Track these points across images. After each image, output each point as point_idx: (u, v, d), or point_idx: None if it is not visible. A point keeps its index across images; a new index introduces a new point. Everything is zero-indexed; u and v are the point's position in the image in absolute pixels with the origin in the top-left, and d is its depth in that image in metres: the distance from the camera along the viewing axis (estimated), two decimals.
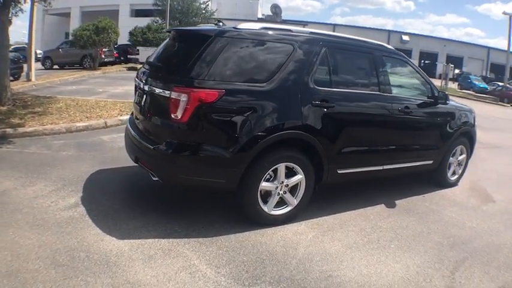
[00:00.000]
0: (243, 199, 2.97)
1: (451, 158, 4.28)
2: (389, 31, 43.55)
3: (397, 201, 3.80)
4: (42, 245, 2.54)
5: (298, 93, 3.01)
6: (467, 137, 4.42)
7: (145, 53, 18.96)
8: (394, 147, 3.68)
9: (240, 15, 34.37)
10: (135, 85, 3.58)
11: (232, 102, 2.79)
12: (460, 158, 4.46)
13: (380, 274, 2.56)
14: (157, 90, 2.92)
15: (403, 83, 3.89)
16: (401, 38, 40.28)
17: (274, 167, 2.98)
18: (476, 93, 25.94)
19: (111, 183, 3.75)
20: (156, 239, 2.75)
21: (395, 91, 3.67)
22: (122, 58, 21.10)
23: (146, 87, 3.13)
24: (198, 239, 2.80)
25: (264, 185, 2.98)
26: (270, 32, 3.07)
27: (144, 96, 3.18)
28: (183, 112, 2.67)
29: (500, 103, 21.87)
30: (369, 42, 3.69)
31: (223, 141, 2.80)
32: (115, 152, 4.77)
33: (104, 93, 9.69)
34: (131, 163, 4.33)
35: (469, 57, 40.87)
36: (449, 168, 4.30)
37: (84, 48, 16.97)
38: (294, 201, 3.15)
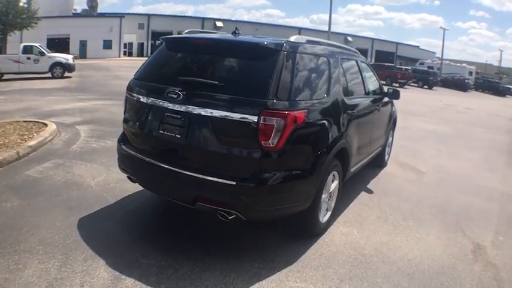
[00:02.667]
0: (311, 214, 2.95)
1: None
2: (203, 18, 44.91)
3: (368, 186, 4.47)
4: None
5: (340, 104, 3.20)
6: (394, 122, 5.49)
7: None
8: (373, 139, 4.33)
9: (55, 12, 31.84)
10: (144, 104, 2.83)
11: (313, 121, 2.77)
12: (390, 140, 5.46)
13: (430, 247, 3.14)
14: (234, 116, 2.45)
15: (369, 82, 4.53)
16: (215, 24, 41.62)
17: (327, 178, 3.08)
18: None
19: (119, 234, 2.94)
20: (256, 284, 2.44)
21: (370, 91, 4.32)
22: None
23: (190, 110, 2.59)
24: (287, 268, 2.66)
25: (322, 197, 3.06)
26: (314, 45, 3.09)
27: (183, 120, 2.62)
28: (279, 138, 2.43)
29: None
30: (353, 50, 4.19)
31: (308, 162, 2.75)
32: (67, 191, 3.65)
33: None
34: (105, 203, 3.40)
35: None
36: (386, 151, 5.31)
37: None
38: (332, 206, 3.36)
